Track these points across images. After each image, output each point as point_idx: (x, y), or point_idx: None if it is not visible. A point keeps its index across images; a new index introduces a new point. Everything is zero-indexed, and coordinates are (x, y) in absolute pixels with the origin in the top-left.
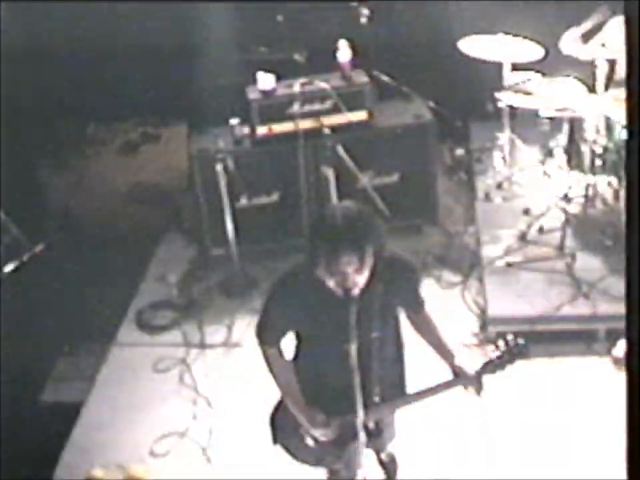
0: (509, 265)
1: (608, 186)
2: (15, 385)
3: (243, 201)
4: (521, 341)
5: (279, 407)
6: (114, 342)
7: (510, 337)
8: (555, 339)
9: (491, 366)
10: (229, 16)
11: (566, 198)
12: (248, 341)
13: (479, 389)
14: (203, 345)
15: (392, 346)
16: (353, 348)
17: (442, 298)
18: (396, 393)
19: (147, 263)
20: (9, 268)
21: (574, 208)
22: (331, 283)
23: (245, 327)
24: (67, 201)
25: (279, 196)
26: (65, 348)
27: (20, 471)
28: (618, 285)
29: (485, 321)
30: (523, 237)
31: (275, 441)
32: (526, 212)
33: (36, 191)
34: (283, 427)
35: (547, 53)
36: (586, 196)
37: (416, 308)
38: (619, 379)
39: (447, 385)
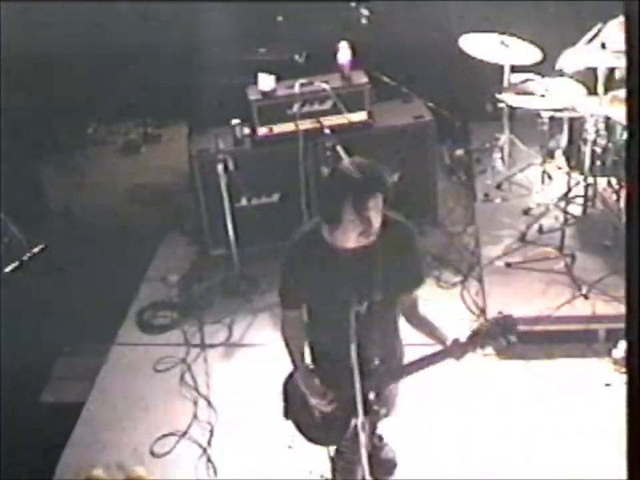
0: (508, 265)
1: (608, 186)
2: (15, 385)
3: (243, 202)
4: (511, 318)
5: (289, 382)
6: (114, 342)
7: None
8: (555, 339)
9: (480, 337)
10: (229, 16)
11: (566, 198)
12: (248, 341)
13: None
14: (203, 345)
15: (392, 313)
16: (362, 307)
17: (441, 298)
18: (394, 363)
19: (148, 263)
20: (9, 268)
21: (574, 208)
22: (341, 237)
23: (245, 326)
24: (67, 201)
25: (279, 196)
26: (65, 348)
27: (20, 470)
28: (618, 285)
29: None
30: (522, 237)
31: (286, 415)
32: (526, 212)
33: (37, 191)
34: (293, 402)
35: (545, 54)
36: (586, 196)
37: (411, 283)
38: (618, 380)
39: (442, 355)
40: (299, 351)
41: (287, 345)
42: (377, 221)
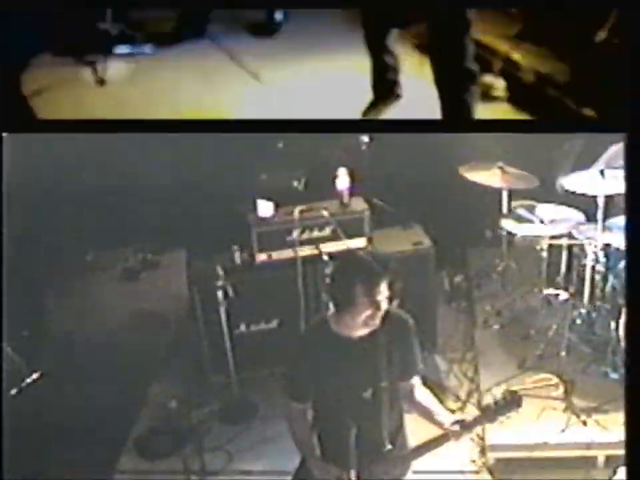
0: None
1: (607, 312)
2: None
3: (242, 328)
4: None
5: (299, 472)
6: (115, 470)
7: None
8: (553, 466)
9: (488, 413)
10: (229, 143)
11: (565, 324)
12: (249, 468)
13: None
14: (203, 472)
15: (395, 399)
16: (367, 394)
17: None
18: (400, 447)
19: (147, 388)
20: (10, 394)
21: (574, 334)
22: (351, 321)
23: (246, 453)
24: (68, 327)
25: (278, 322)
26: (67, 477)
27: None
28: (615, 414)
29: (483, 447)
30: (522, 364)
31: None
32: (525, 338)
33: (37, 318)
34: None
35: (543, 181)
36: (585, 322)
37: (409, 371)
38: None
39: (443, 439)
40: (308, 444)
41: (296, 439)
42: (384, 305)
